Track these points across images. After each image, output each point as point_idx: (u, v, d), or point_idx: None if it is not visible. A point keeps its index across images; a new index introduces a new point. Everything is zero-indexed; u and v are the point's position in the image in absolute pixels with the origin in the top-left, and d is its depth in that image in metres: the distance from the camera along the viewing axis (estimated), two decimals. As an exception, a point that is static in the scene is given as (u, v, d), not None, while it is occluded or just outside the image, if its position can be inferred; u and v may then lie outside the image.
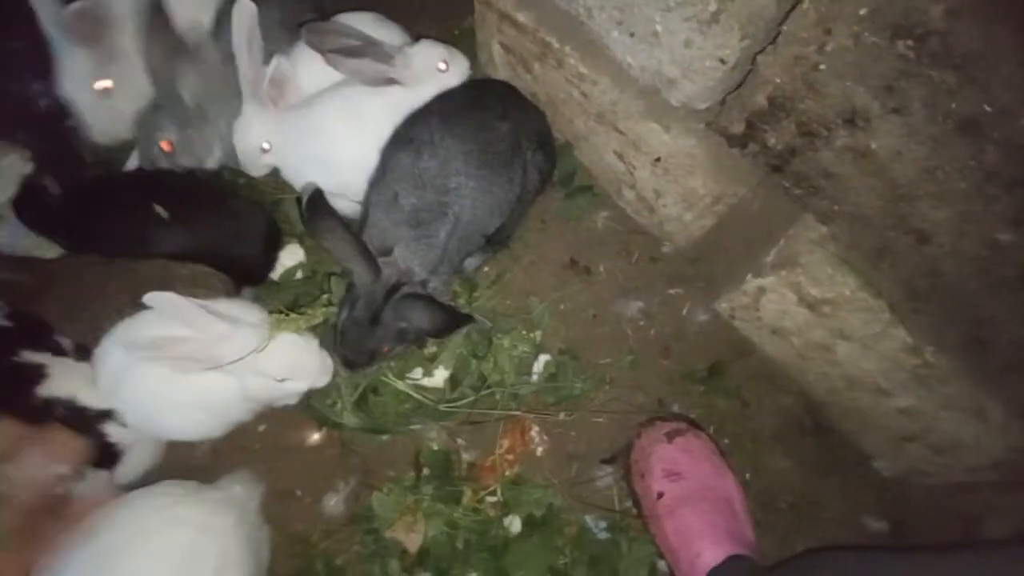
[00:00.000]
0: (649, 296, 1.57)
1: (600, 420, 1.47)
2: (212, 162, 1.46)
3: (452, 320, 1.17)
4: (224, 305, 1.14)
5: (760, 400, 1.52)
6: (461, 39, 1.76)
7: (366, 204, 1.29)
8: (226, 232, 1.34)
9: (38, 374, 1.14)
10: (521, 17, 1.43)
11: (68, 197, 1.25)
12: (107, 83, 1.33)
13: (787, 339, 1.44)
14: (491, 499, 1.38)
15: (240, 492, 1.22)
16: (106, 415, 1.18)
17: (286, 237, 1.53)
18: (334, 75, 1.38)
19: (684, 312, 1.56)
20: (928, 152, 0.96)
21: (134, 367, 1.10)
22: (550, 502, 1.36)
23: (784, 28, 1.05)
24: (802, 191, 1.22)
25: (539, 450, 1.45)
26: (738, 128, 1.24)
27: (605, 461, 1.45)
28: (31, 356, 1.15)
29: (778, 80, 1.10)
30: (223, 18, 1.41)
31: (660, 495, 1.31)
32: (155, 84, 1.35)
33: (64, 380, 1.15)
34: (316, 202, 1.13)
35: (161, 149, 1.33)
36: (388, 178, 1.22)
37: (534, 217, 1.62)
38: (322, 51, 1.28)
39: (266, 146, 1.41)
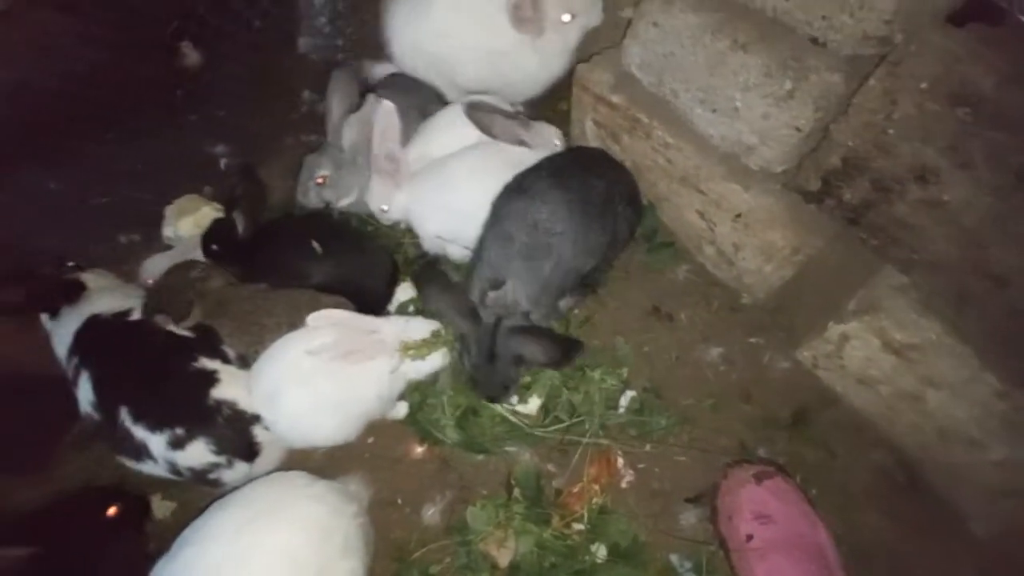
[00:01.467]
0: (729, 343, 1.66)
1: (683, 459, 1.53)
2: (347, 201, 1.76)
3: (567, 346, 1.33)
4: (369, 319, 1.38)
5: (849, 452, 1.53)
6: (554, 118, 2.06)
7: (480, 245, 1.51)
8: (360, 268, 1.60)
9: (212, 378, 1.37)
10: (615, 98, 1.70)
11: (249, 236, 1.56)
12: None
13: (874, 389, 1.47)
14: (578, 526, 1.44)
15: (356, 490, 1.37)
16: (256, 418, 1.39)
17: (401, 276, 1.78)
18: (457, 143, 1.70)
19: (765, 360, 1.64)
20: (995, 201, 1.07)
21: (290, 379, 1.33)
22: (635, 534, 1.41)
23: (854, 101, 1.23)
24: (879, 242, 1.32)
25: (624, 483, 1.51)
26: (814, 186, 1.39)
27: (689, 500, 1.49)
28: (207, 362, 1.39)
29: (851, 143, 1.26)
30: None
31: (749, 537, 1.33)
32: (330, 130, 1.68)
33: (230, 385, 1.38)
34: (426, 270, 1.36)
35: (316, 181, 1.66)
36: (504, 222, 1.44)
37: (619, 268, 1.79)
38: (479, 118, 1.61)
39: (384, 208, 1.72)
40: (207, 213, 1.84)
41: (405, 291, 1.77)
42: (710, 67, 1.42)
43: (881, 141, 1.21)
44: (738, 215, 1.55)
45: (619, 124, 1.75)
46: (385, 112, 1.61)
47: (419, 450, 1.56)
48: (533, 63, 1.86)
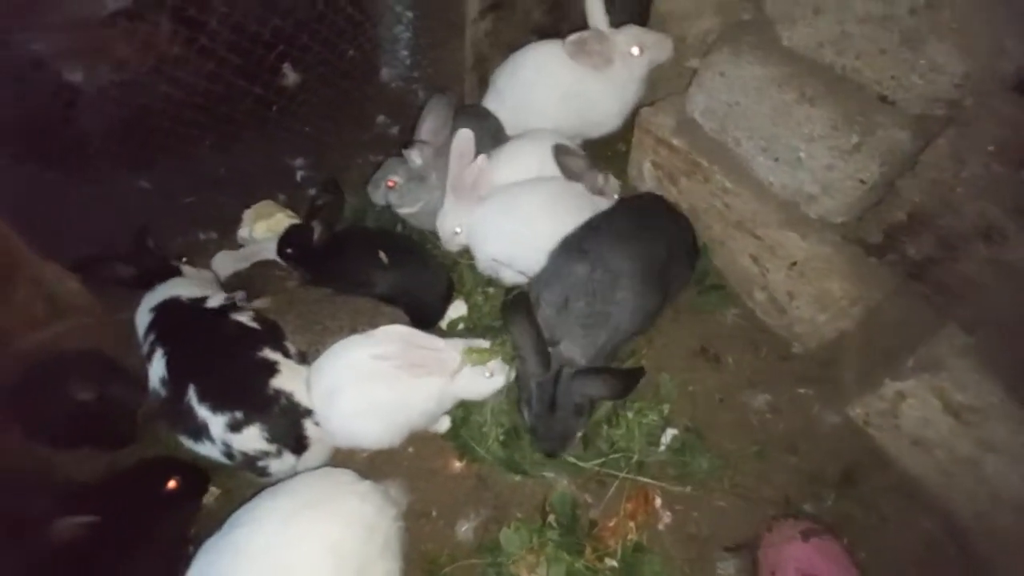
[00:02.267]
0: (777, 391, 1.64)
1: (723, 504, 1.50)
2: (407, 210, 1.84)
3: (628, 379, 1.35)
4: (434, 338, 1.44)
5: (899, 516, 1.47)
6: (613, 159, 2.14)
7: (537, 300, 1.51)
8: (420, 283, 1.67)
9: (273, 369, 1.43)
10: (676, 142, 1.77)
11: (322, 243, 1.66)
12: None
13: (929, 451, 1.42)
14: (610, 561, 1.41)
15: (395, 495, 1.39)
16: (309, 413, 1.45)
17: (455, 293, 1.84)
18: (521, 174, 1.78)
19: (814, 412, 1.61)
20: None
21: (350, 379, 1.38)
22: (670, 577, 1.38)
23: (922, 158, 1.26)
24: (943, 299, 1.32)
25: (661, 524, 1.48)
26: (876, 239, 1.40)
27: (729, 549, 1.44)
28: (270, 353, 1.45)
29: (917, 199, 1.28)
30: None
31: (792, 595, 1.28)
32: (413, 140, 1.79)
33: (289, 378, 1.43)
34: (519, 301, 1.40)
35: (387, 184, 1.76)
36: (562, 285, 1.46)
37: (668, 308, 1.81)
38: (564, 161, 1.73)
39: (458, 230, 1.80)
40: (281, 219, 1.96)
41: (457, 308, 1.83)
42: (775, 117, 1.48)
43: (948, 198, 1.23)
44: (794, 263, 1.56)
45: (678, 167, 1.81)
46: (463, 138, 1.72)
47: (457, 465, 1.57)
48: (607, 98, 1.95)
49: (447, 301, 1.76)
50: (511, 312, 1.37)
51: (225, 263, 1.86)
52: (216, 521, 1.22)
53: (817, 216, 1.50)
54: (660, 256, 1.56)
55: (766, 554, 1.36)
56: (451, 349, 1.44)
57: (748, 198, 1.62)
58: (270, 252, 1.81)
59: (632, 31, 1.87)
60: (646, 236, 1.57)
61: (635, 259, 1.49)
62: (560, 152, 1.72)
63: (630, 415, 1.55)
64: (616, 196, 1.82)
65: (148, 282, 1.59)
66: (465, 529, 1.48)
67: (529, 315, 1.35)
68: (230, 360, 1.41)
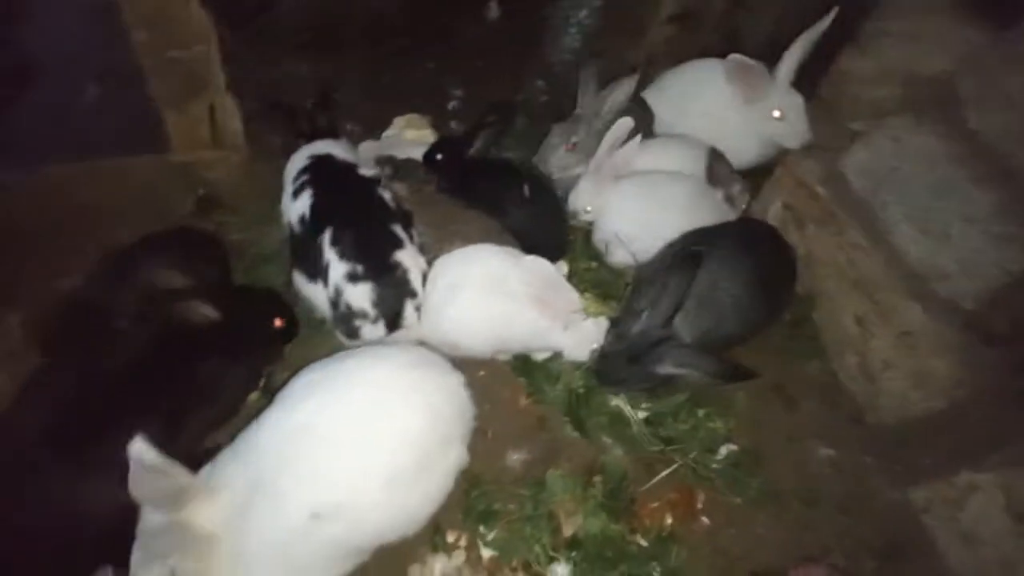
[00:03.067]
0: (843, 451, 1.64)
1: (762, 532, 1.50)
2: (563, 175, 1.93)
3: (734, 370, 1.40)
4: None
5: (932, 607, 1.44)
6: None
7: (665, 281, 1.51)
8: (546, 228, 1.76)
9: (399, 243, 1.52)
10: (820, 190, 1.82)
11: (473, 160, 1.76)
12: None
13: (976, 549, 1.40)
14: (641, 540, 1.43)
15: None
16: (414, 295, 1.52)
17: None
18: (669, 166, 1.87)
19: (873, 483, 1.60)
20: None
21: (479, 283, 1.46)
22: (694, 576, 1.38)
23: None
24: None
25: (697, 527, 1.49)
26: (1001, 329, 1.41)
27: (755, 574, 1.44)
28: (400, 231, 1.55)
29: (1060, 301, 1.29)
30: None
31: (807, 632, 1.28)
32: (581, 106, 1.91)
33: (410, 258, 1.52)
34: (692, 256, 1.44)
35: (567, 147, 1.86)
36: (687, 298, 1.44)
37: (756, 342, 1.83)
38: (715, 167, 1.83)
39: (588, 209, 1.88)
40: (427, 134, 2.09)
41: (560, 268, 1.89)
42: (938, 191, 1.52)
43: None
44: (906, 333, 1.58)
45: (812, 214, 1.85)
46: (624, 124, 1.81)
47: (523, 402, 1.62)
48: (738, 131, 2.02)
49: (560, 255, 1.83)
50: (681, 261, 1.42)
51: (368, 151, 1.98)
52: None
53: (947, 295, 1.52)
54: (769, 277, 1.61)
55: None
56: (577, 302, 1.50)
57: (877, 260, 1.65)
58: (412, 153, 1.92)
59: (792, 99, 1.90)
60: (762, 253, 1.64)
61: (752, 268, 1.55)
62: (715, 156, 1.79)
63: (700, 413, 1.58)
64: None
65: (314, 136, 1.72)
66: (515, 459, 1.52)
67: (691, 274, 1.40)
68: (367, 221, 1.51)
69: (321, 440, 1.06)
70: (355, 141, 2.09)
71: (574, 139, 1.83)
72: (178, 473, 1.01)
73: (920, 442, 1.60)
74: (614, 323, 1.56)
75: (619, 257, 1.85)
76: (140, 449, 0.96)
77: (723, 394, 1.67)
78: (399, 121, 2.11)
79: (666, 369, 1.43)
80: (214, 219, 1.94)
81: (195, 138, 1.87)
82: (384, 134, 2.11)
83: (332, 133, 1.77)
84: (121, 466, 1.20)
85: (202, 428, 1.39)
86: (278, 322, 1.49)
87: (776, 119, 1.93)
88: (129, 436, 1.22)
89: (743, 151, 2.07)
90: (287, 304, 1.55)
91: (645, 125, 2.02)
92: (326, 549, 1.08)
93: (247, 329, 1.44)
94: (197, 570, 1.00)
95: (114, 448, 1.21)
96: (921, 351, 1.55)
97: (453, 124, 2.26)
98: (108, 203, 1.83)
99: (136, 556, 1.04)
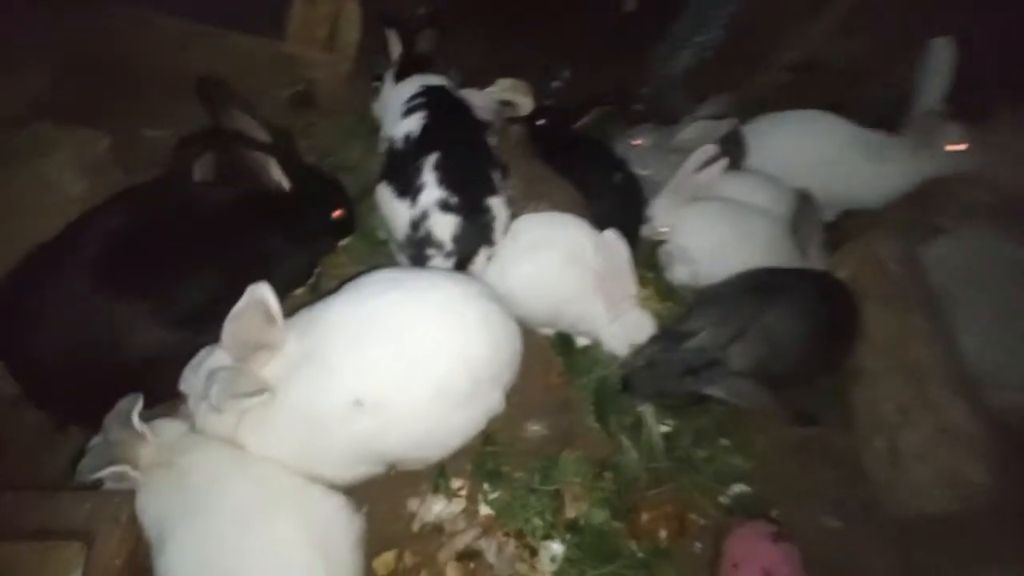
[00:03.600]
0: (850, 525, 1.61)
1: None
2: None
3: (800, 414, 1.40)
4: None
5: None
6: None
7: (726, 310, 1.52)
8: (627, 220, 1.73)
9: (493, 188, 1.51)
10: (893, 269, 1.80)
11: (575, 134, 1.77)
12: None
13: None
14: (636, 548, 1.40)
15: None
16: (491, 245, 1.50)
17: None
18: (756, 200, 1.87)
19: (872, 565, 1.57)
20: None
21: (559, 250, 1.46)
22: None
23: None
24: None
25: (688, 548, 1.46)
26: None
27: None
28: (497, 178, 1.54)
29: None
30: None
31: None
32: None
33: (499, 205, 1.50)
34: (766, 289, 1.46)
35: (633, 143, 1.88)
36: (750, 329, 1.44)
37: (790, 395, 1.81)
38: (804, 209, 1.81)
39: (664, 230, 1.86)
40: (526, 102, 2.09)
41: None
42: (1018, 300, 1.51)
43: None
44: (944, 430, 1.56)
45: (878, 291, 1.83)
46: (708, 152, 1.81)
47: (554, 379, 1.60)
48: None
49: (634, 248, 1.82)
50: (756, 291, 1.41)
51: (474, 98, 1.98)
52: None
53: (998, 404, 1.50)
54: (834, 334, 1.61)
55: (733, 546, 1.37)
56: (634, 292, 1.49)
57: (935, 352, 1.63)
58: (511, 115, 1.92)
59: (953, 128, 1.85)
60: (835, 308, 1.63)
61: (822, 318, 1.54)
62: (807, 200, 1.78)
63: (722, 443, 1.56)
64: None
65: (425, 66, 1.74)
66: (533, 430, 1.51)
67: (764, 307, 1.40)
68: (473, 158, 1.52)
69: (386, 333, 1.05)
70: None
71: (638, 140, 1.84)
72: (279, 327, 1.03)
73: (928, 540, 1.57)
74: (662, 335, 1.54)
75: (680, 274, 1.84)
76: (264, 292, 1.01)
77: (744, 433, 1.65)
78: (504, 82, 2.12)
79: (714, 391, 1.40)
80: (305, 118, 1.96)
81: (312, 35, 1.89)
82: (486, 90, 2.12)
83: (428, 64, 1.76)
84: (171, 308, 1.21)
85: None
86: (338, 213, 1.49)
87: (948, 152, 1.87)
88: (190, 284, 1.24)
89: (867, 193, 2.03)
90: (350, 198, 1.56)
91: (736, 157, 2.01)
92: (351, 442, 1.07)
93: (310, 215, 1.45)
94: (240, 417, 1.02)
95: (171, 290, 1.22)
96: (957, 450, 1.52)
97: (549, 103, 2.27)
98: (210, 70, 1.84)
99: (190, 380, 1.09)
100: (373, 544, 1.24)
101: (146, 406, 1.11)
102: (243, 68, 1.91)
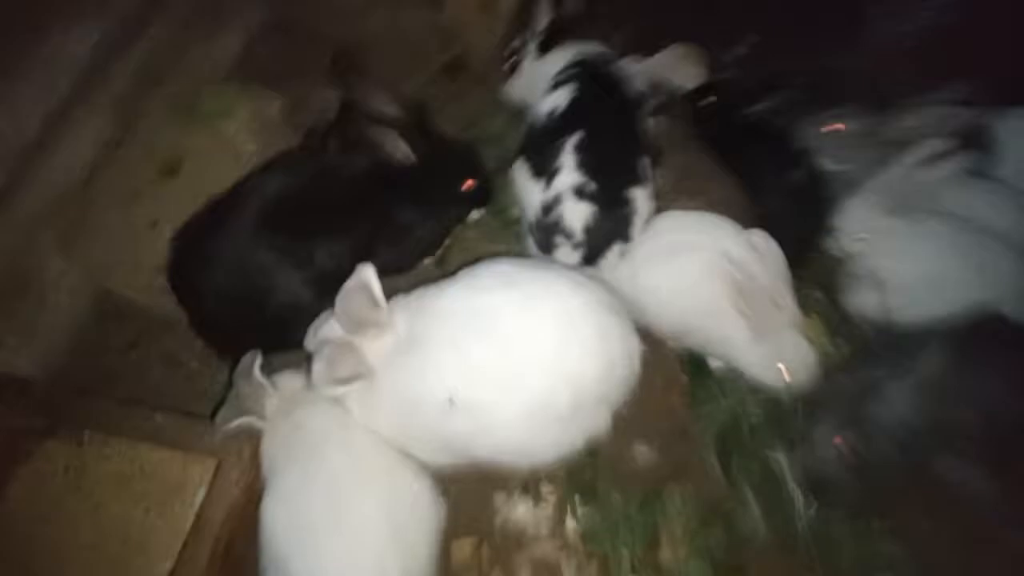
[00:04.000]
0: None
1: None
2: None
3: None
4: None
5: None
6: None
7: None
8: (799, 228, 1.46)
9: (638, 180, 1.35)
10: None
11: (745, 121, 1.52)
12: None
13: None
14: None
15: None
16: (626, 240, 1.35)
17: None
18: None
19: None
20: None
21: (699, 258, 1.26)
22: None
23: None
24: None
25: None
26: None
27: None
28: (645, 166, 1.38)
29: None
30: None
31: None
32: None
33: (643, 197, 1.35)
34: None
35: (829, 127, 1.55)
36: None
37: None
38: None
39: (858, 241, 1.51)
40: (698, 74, 1.81)
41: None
42: None
43: None
44: None
45: None
46: (931, 146, 1.42)
47: (675, 401, 1.42)
48: None
49: (797, 266, 1.52)
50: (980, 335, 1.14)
51: (638, 70, 1.77)
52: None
53: None
54: None
55: None
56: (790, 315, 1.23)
57: None
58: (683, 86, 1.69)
59: None
60: None
61: None
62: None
63: (874, 526, 1.27)
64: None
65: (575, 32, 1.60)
66: (639, 452, 1.38)
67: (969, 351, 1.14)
68: (620, 142, 1.37)
69: (491, 335, 1.00)
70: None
71: (843, 124, 1.48)
72: (383, 307, 1.06)
73: None
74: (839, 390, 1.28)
75: (865, 303, 1.48)
76: (369, 273, 1.05)
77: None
78: (677, 49, 1.85)
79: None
80: (457, 83, 1.93)
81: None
82: (654, 57, 1.88)
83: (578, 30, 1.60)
84: (307, 268, 1.29)
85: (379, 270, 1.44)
86: (468, 184, 1.45)
87: None
88: (323, 247, 1.30)
89: None
90: (484, 167, 1.51)
91: (978, 159, 1.53)
92: (442, 437, 1.06)
93: (439, 186, 1.43)
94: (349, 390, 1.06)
95: (308, 250, 1.30)
96: None
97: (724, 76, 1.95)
98: (380, 38, 1.87)
99: (311, 339, 1.16)
100: (454, 527, 1.23)
101: (288, 349, 1.24)
102: (407, 37, 1.92)
